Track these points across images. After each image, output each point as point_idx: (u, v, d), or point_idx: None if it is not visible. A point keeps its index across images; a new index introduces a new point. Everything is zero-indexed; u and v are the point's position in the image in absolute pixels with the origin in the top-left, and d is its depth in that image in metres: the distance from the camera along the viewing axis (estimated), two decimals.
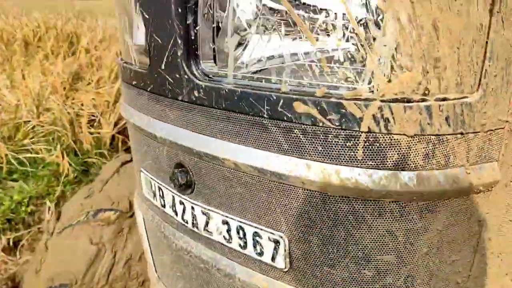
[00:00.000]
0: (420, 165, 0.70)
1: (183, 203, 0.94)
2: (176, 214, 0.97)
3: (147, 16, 0.84)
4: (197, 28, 0.79)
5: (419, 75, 0.67)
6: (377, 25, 0.66)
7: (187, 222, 0.95)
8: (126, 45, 1.00)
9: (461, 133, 0.71)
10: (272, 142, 0.77)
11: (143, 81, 0.91)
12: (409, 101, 0.68)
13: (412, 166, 0.70)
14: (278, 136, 0.76)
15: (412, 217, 0.73)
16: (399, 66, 0.66)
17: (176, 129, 0.88)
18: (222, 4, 0.77)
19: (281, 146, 0.76)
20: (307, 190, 0.76)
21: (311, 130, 0.72)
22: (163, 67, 0.85)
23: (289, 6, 0.68)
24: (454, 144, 0.71)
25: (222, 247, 0.91)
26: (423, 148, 0.69)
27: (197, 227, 0.93)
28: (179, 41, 0.81)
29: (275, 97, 0.74)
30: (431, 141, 0.69)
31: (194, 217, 0.92)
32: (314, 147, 0.73)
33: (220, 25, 0.79)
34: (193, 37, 0.80)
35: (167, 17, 0.81)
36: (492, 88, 0.71)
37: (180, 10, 0.79)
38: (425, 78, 0.67)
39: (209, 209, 0.89)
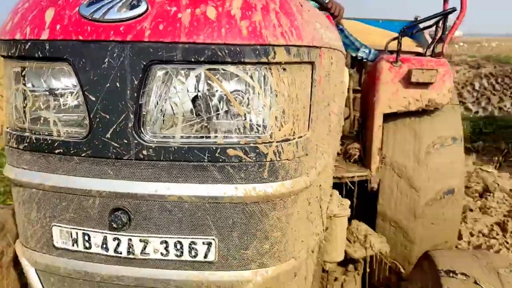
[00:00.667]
0: (293, 175, 1.23)
1: (117, 239, 1.13)
2: (107, 250, 1.14)
3: (93, 99, 0.99)
4: (148, 107, 1.04)
5: (291, 125, 1.20)
6: (271, 100, 1.13)
7: (121, 253, 1.15)
8: (41, 119, 1.05)
9: (306, 154, 1.28)
10: (210, 177, 1.13)
11: (74, 148, 1.03)
12: (288, 140, 1.20)
13: (290, 177, 1.22)
14: (214, 173, 1.13)
15: (289, 206, 1.26)
16: (283, 122, 1.17)
17: (117, 181, 1.08)
18: (169, 90, 1.05)
19: (216, 178, 1.14)
20: (234, 203, 1.16)
21: (237, 165, 1.14)
22: (108, 136, 1.03)
23: (227, 92, 1.06)
24: (304, 161, 1.28)
25: (158, 262, 1.17)
26: (294, 165, 1.23)
27: (133, 254, 1.15)
28: (131, 116, 1.03)
29: (214, 147, 1.10)
30: (297, 161, 1.24)
31: (130, 246, 1.14)
32: (239, 175, 1.15)
33: (167, 102, 1.06)
34: (144, 113, 1.04)
35: (120, 99, 1.00)
36: (313, 128, 1.32)
37: (135, 94, 1.01)
38: (293, 127, 1.21)
39: (148, 236, 1.14)
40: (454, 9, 2.71)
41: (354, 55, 3.31)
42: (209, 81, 1.03)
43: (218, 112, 1.08)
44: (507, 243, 2.84)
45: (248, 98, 1.08)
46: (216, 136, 1.11)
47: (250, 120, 1.12)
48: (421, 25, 3.40)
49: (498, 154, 5.43)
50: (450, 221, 2.64)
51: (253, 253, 1.21)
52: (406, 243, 2.64)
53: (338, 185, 2.55)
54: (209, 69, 1.01)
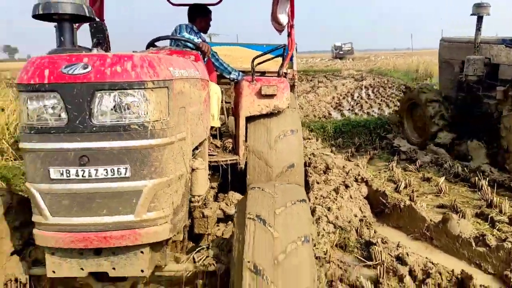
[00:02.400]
0: (161, 136, 2.32)
1: (83, 170, 1.99)
2: (77, 176, 2.02)
3: (69, 106, 2.00)
4: (94, 109, 2.07)
5: (159, 114, 2.29)
6: (147, 104, 2.21)
7: (84, 176, 1.99)
8: (42, 117, 2.00)
9: (167, 128, 2.37)
10: (124, 137, 2.18)
11: (60, 129, 1.96)
12: (157, 120, 2.29)
13: (159, 137, 2.30)
14: (125, 135, 2.18)
15: (162, 151, 2.33)
16: (154, 112, 2.26)
17: (82, 143, 2.07)
18: (102, 101, 2.08)
19: (127, 138, 2.19)
20: (136, 149, 2.21)
21: (135, 132, 2.20)
22: (77, 122, 1.98)
23: (128, 101, 2.13)
24: (167, 131, 2.37)
25: (103, 179, 1.94)
26: (161, 132, 2.31)
27: (90, 176, 1.98)
28: (87, 113, 2.05)
29: (125, 124, 2.16)
30: (163, 130, 2.32)
31: (89, 173, 1.99)
32: (137, 136, 2.21)
33: (101, 107, 2.10)
34: (93, 111, 2.07)
35: (82, 106, 2.03)
36: (170, 116, 2.44)
37: (88, 104, 2.04)
38: (160, 115, 2.30)
39: (97, 167, 2.04)
40: (285, 45, 4.06)
41: (228, 77, 4.53)
42: (120, 97, 2.07)
43: (125, 110, 2.10)
44: (336, 199, 4.20)
45: (137, 104, 2.10)
46: (125, 119, 2.09)
47: (139, 113, 2.13)
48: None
49: (352, 146, 7.08)
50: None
51: (147, 172, 2.04)
52: None
53: (217, 168, 3.70)
54: (119, 92, 2.05)
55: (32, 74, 1.89)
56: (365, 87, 19.46)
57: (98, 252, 2.06)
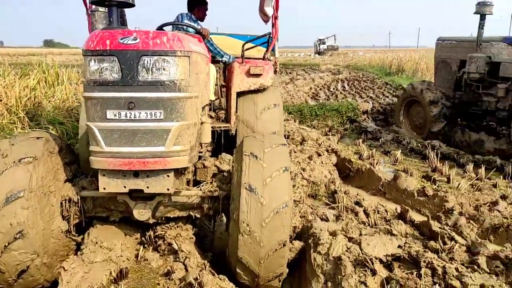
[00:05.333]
0: (185, 91, 3.08)
1: (130, 113, 2.71)
2: (126, 116, 2.69)
3: (123, 66, 2.76)
4: (140, 68, 2.83)
5: (183, 75, 3.07)
6: (177, 67, 2.98)
7: (131, 117, 2.71)
8: (102, 74, 2.76)
9: (190, 85, 3.16)
10: (159, 90, 2.95)
11: (115, 83, 2.72)
12: (183, 79, 3.06)
13: (184, 91, 3.07)
14: (161, 88, 2.95)
15: (186, 102, 3.11)
16: (180, 74, 3.04)
17: (131, 93, 2.82)
18: (146, 63, 2.84)
19: (161, 90, 2.96)
20: (167, 99, 2.98)
21: (168, 86, 2.98)
22: (128, 78, 2.72)
23: (165, 65, 2.91)
24: (190, 87, 3.15)
25: (145, 120, 2.64)
26: (186, 88, 3.08)
27: (135, 117, 2.68)
28: (135, 70, 2.81)
29: (160, 81, 2.93)
30: (187, 86, 3.10)
31: (135, 114, 2.69)
32: (169, 89, 2.99)
33: (146, 67, 2.87)
34: (139, 70, 2.83)
35: (132, 65, 2.79)
36: (191, 77, 3.23)
37: (137, 63, 2.79)
38: (184, 76, 3.08)
39: (141, 111, 2.73)
40: (269, 33, 4.86)
41: (220, 59, 5.32)
42: (158, 61, 2.79)
43: (161, 70, 2.85)
44: (309, 164, 5.05)
45: (170, 66, 2.83)
46: (161, 77, 2.82)
47: (171, 73, 2.86)
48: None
49: (326, 127, 7.99)
50: None
51: (174, 116, 2.78)
52: None
53: (214, 132, 4.50)
54: (158, 57, 2.79)
55: (97, 43, 2.64)
56: (341, 80, 20.47)
57: (136, 174, 2.84)
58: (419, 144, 6.45)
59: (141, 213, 3.01)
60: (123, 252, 3.03)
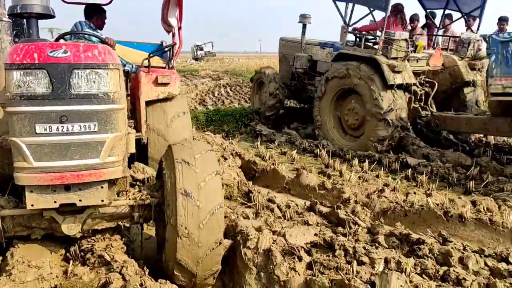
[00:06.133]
0: (116, 102, 3.11)
1: (62, 126, 2.62)
2: (58, 130, 2.62)
3: (54, 80, 2.66)
4: (71, 83, 2.76)
5: (118, 88, 3.08)
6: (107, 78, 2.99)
7: (63, 130, 2.62)
8: (29, 91, 2.60)
9: (122, 97, 3.18)
10: (93, 102, 2.92)
11: (44, 97, 2.63)
12: (116, 92, 3.08)
13: (116, 103, 3.09)
14: (94, 100, 2.92)
15: (117, 115, 3.12)
16: (113, 86, 3.05)
17: (62, 107, 2.74)
18: (77, 76, 2.79)
19: (95, 103, 2.93)
20: (101, 111, 2.96)
21: (101, 99, 2.96)
22: (59, 92, 2.68)
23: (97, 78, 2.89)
24: (120, 96, 3.17)
25: (78, 133, 2.60)
26: (117, 97, 3.11)
27: (68, 130, 2.63)
28: (67, 85, 2.74)
29: (94, 94, 2.90)
30: (118, 97, 3.12)
31: (68, 128, 2.65)
32: (102, 101, 2.97)
33: (76, 81, 2.80)
34: (71, 84, 2.76)
35: (63, 80, 2.71)
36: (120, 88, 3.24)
37: (67, 78, 2.72)
38: (117, 89, 3.10)
39: (74, 123, 2.68)
40: (175, 43, 5.00)
41: (123, 69, 5.27)
42: (91, 74, 2.75)
43: (94, 83, 2.82)
44: None
45: (103, 79, 2.81)
46: (94, 89, 2.80)
47: (104, 85, 2.82)
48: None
49: (222, 132, 8.34)
50: None
51: (109, 128, 2.79)
52: None
53: None
54: (90, 70, 2.76)
55: (24, 56, 2.55)
56: (223, 85, 21.03)
57: (67, 188, 2.79)
58: (310, 144, 7.15)
59: (70, 227, 2.95)
60: (52, 269, 2.93)
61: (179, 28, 5.39)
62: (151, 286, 2.76)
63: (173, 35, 5.60)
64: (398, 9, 7.87)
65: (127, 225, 3.31)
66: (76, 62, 2.65)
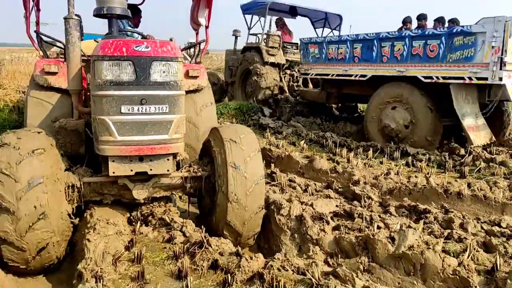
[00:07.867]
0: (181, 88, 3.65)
1: (142, 107, 3.18)
2: (139, 110, 3.14)
3: (138, 69, 3.21)
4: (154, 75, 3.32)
5: (183, 76, 3.64)
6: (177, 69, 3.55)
7: (142, 111, 3.17)
8: (117, 77, 3.13)
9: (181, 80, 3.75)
10: (167, 88, 3.48)
11: (130, 83, 3.15)
12: (182, 80, 3.65)
13: (180, 89, 3.64)
14: (167, 87, 3.48)
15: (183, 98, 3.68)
16: (181, 74, 3.61)
17: (143, 91, 3.29)
18: (157, 67, 3.34)
19: (167, 89, 3.49)
20: (171, 95, 3.52)
21: (174, 84, 3.53)
22: (141, 79, 3.24)
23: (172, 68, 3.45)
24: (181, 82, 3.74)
25: (154, 113, 3.17)
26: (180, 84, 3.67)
27: (146, 110, 3.14)
28: (147, 73, 3.30)
29: (168, 81, 3.46)
30: (180, 83, 3.67)
31: (146, 109, 3.14)
32: (174, 88, 3.53)
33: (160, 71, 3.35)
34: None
35: (145, 70, 3.27)
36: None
37: (148, 70, 3.29)
38: (183, 77, 3.66)
39: (151, 105, 3.20)
40: (204, 40, 5.58)
41: None
42: (165, 65, 3.28)
43: (167, 73, 3.37)
44: None
45: (174, 70, 3.35)
46: (167, 78, 3.35)
47: (174, 75, 3.36)
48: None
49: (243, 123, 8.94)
50: None
51: (176, 109, 3.31)
52: (194, 151, 5.32)
53: None
54: (166, 62, 3.29)
55: (114, 50, 3.10)
56: None
57: (141, 159, 3.35)
58: (315, 136, 7.79)
59: (139, 192, 3.52)
60: (125, 227, 3.50)
61: (207, 27, 5.97)
62: (210, 241, 3.33)
63: (197, 33, 6.17)
64: (282, 22, 12.22)
65: (180, 194, 3.87)
66: (155, 55, 3.21)
